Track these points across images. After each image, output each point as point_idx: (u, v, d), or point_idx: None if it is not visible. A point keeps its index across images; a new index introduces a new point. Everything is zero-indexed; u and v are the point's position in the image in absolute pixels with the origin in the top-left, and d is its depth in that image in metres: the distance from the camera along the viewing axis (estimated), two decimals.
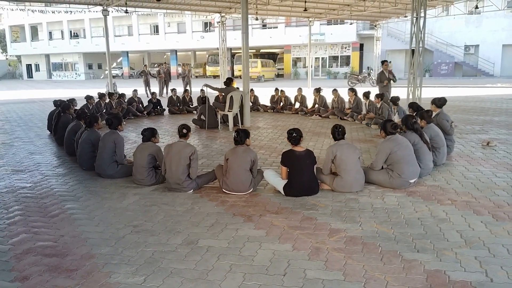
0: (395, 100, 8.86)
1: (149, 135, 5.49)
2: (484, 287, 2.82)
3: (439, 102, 6.72)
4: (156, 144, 5.55)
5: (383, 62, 11.96)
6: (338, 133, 5.00)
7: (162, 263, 3.27)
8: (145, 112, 12.61)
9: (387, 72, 11.67)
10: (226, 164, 4.97)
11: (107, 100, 11.71)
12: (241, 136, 4.98)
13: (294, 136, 4.83)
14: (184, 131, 5.18)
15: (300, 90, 12.78)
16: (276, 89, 13.60)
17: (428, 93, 16.39)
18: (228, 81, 10.32)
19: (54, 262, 3.33)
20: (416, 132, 5.40)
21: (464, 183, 5.20)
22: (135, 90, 13.19)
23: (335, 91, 11.27)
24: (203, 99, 10.56)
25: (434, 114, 6.46)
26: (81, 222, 4.18)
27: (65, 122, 8.10)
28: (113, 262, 3.30)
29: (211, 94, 11.00)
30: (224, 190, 5.01)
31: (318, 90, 11.83)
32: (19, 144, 8.58)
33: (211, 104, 10.54)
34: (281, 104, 13.02)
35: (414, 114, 6.41)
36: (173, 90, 14.06)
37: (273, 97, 13.48)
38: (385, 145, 5.04)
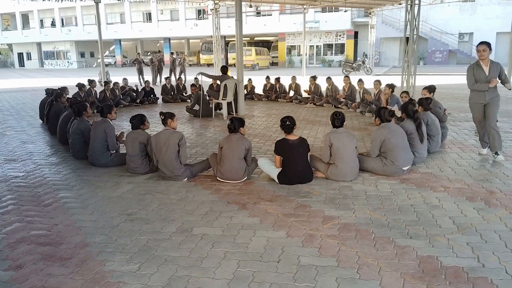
0: (392, 87, 8.84)
1: (138, 122, 5.42)
2: (476, 272, 2.86)
3: (430, 89, 6.79)
4: (146, 131, 5.50)
5: (482, 43, 5.44)
6: (337, 121, 4.95)
7: (157, 251, 3.27)
8: (138, 100, 12.52)
9: (487, 63, 5.48)
10: (220, 153, 4.96)
11: (101, 89, 11.61)
12: (235, 124, 4.95)
13: (288, 124, 4.80)
14: (162, 117, 5.15)
15: (294, 78, 12.76)
16: (267, 78, 13.55)
17: (422, 81, 16.42)
18: (224, 69, 10.25)
19: (48, 250, 3.32)
20: (415, 121, 5.39)
21: (457, 170, 5.23)
22: (125, 79, 13.07)
23: (329, 79, 11.25)
24: (198, 87, 10.48)
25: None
26: (75, 211, 4.17)
27: (57, 110, 8.04)
28: (107, 250, 3.30)
29: (205, 83, 10.93)
30: (218, 178, 5.01)
31: (314, 78, 11.84)
32: (11, 133, 8.50)
33: (205, 92, 10.49)
34: (277, 92, 12.99)
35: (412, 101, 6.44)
36: (167, 78, 13.96)
37: (265, 85, 13.45)
38: (378, 133, 5.05)
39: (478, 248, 3.20)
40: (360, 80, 10.21)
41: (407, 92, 7.68)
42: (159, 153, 5.00)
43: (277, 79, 13.16)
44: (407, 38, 13.09)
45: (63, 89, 9.14)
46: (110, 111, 5.85)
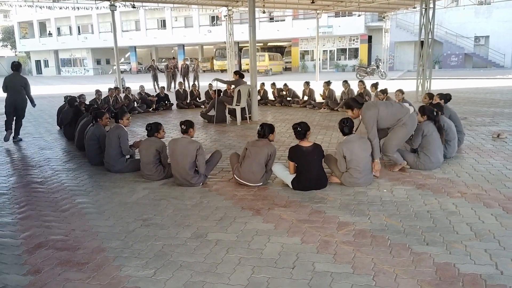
0: (402, 91, 8.74)
1: (154, 130, 5.46)
2: (494, 280, 2.81)
3: (442, 96, 6.83)
4: (161, 139, 5.54)
5: None
6: (346, 128, 4.92)
7: (172, 257, 3.30)
8: (153, 107, 12.64)
9: None
10: (244, 153, 5.00)
11: (113, 95, 11.79)
12: (265, 130, 4.99)
13: (299, 130, 4.78)
14: (183, 127, 5.10)
15: (306, 84, 12.66)
16: (273, 84, 13.54)
17: (438, 85, 16.26)
18: (240, 74, 10.21)
19: (66, 255, 3.37)
20: (435, 124, 5.42)
21: (474, 176, 5.16)
22: (142, 86, 13.28)
23: (345, 82, 11.23)
24: (216, 92, 10.52)
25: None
26: (92, 216, 4.22)
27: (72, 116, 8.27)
28: (123, 256, 3.34)
29: (221, 88, 10.99)
30: (235, 177, 5.04)
31: (328, 83, 11.82)
32: (29, 140, 8.66)
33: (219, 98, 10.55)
34: (283, 97, 13.01)
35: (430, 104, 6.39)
36: (180, 83, 14.09)
37: (272, 92, 13.48)
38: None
39: (496, 255, 3.15)
40: (374, 84, 10.17)
41: (428, 94, 7.33)
42: (175, 161, 5.03)
43: (285, 85, 13.16)
44: (422, 42, 12.99)
45: (80, 97, 9.35)
46: (122, 116, 5.92)
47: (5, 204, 4.70)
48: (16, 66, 8.37)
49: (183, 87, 13.82)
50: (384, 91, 9.04)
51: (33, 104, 8.60)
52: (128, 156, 5.93)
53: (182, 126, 5.13)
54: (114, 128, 5.83)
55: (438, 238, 3.46)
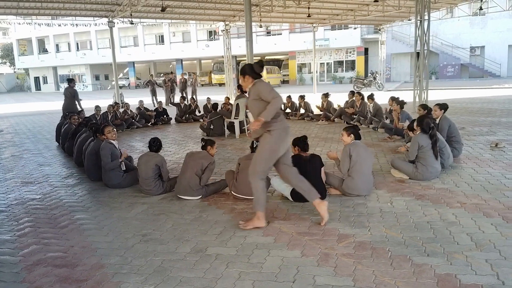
0: (402, 103, 8.81)
1: (158, 146, 5.54)
2: None
3: (441, 106, 6.80)
4: (160, 154, 5.57)
5: None
6: (357, 134, 5.01)
7: (171, 272, 3.27)
8: (151, 121, 12.68)
9: None
10: (238, 169, 5.02)
11: (112, 111, 11.83)
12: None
13: (306, 142, 4.92)
14: (203, 143, 5.34)
15: (301, 98, 12.68)
16: None
17: (435, 95, 16.34)
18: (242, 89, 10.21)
19: (64, 272, 3.34)
20: (431, 138, 5.40)
21: (473, 185, 5.16)
22: (141, 101, 13.34)
23: (354, 94, 11.31)
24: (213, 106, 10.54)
25: (437, 118, 6.55)
26: (91, 232, 4.20)
27: (67, 130, 8.36)
28: (122, 272, 3.31)
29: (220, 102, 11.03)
30: (233, 193, 5.05)
31: (326, 95, 11.89)
32: (28, 156, 8.65)
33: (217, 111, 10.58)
34: (288, 110, 13.05)
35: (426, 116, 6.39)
36: (182, 97, 14.16)
37: None
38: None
39: (497, 265, 3.13)
40: (370, 96, 10.24)
41: (422, 106, 7.28)
42: (185, 166, 5.13)
43: (289, 97, 13.21)
44: (418, 53, 13.09)
45: (79, 112, 9.41)
46: (103, 132, 5.93)
47: (3, 221, 4.68)
48: (68, 81, 11.61)
49: (183, 101, 13.87)
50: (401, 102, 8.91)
51: (80, 106, 11.27)
52: (124, 168, 5.91)
53: (202, 143, 5.36)
54: (105, 143, 5.85)
55: (438, 249, 3.45)
